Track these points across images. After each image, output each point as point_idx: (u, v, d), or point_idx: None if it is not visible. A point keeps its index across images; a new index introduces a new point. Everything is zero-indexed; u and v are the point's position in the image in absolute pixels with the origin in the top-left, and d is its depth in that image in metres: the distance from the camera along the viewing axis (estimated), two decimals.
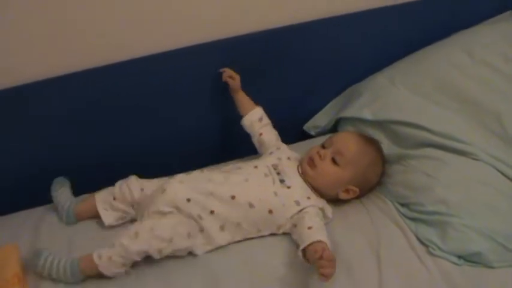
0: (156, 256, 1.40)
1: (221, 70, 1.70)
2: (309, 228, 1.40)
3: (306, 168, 1.56)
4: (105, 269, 1.37)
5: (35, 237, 1.55)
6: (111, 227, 1.54)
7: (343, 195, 1.55)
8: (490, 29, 1.74)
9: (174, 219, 1.43)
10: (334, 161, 1.54)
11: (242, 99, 1.71)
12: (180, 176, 1.53)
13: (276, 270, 1.41)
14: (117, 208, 1.55)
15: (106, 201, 1.56)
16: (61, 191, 1.62)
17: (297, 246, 1.41)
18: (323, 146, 1.59)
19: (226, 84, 1.70)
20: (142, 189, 1.54)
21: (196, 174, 1.55)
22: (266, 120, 1.70)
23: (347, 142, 1.58)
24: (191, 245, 1.44)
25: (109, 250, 1.38)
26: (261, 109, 1.71)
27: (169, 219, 1.42)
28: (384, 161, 1.62)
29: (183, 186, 1.48)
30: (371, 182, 1.59)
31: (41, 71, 1.57)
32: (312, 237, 1.37)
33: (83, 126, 1.69)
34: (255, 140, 1.70)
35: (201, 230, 1.45)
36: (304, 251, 1.37)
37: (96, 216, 1.57)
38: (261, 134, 1.68)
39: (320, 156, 1.55)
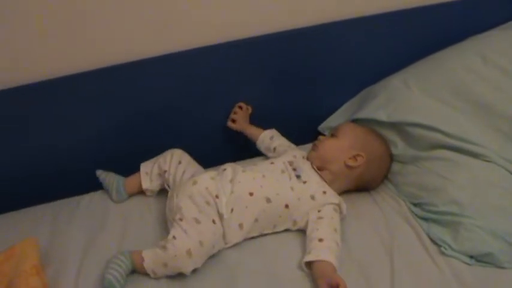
0: None
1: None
2: (320, 240, 1.41)
3: (310, 154, 1.63)
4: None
5: (53, 231, 1.58)
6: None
7: (351, 162, 1.57)
8: (503, 34, 1.75)
9: (209, 223, 1.43)
10: (333, 136, 1.64)
11: (252, 131, 1.78)
12: (212, 173, 1.55)
13: (293, 265, 1.42)
14: (156, 173, 1.64)
15: (149, 166, 1.67)
16: (107, 173, 1.70)
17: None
18: None
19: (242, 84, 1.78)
20: (180, 162, 1.62)
21: (220, 173, 1.55)
22: (278, 136, 1.77)
23: (343, 122, 1.75)
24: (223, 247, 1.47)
25: (161, 270, 1.38)
26: (272, 130, 1.78)
27: (207, 225, 1.42)
28: (387, 143, 1.66)
29: (213, 183, 1.50)
30: (375, 150, 1.61)
31: (50, 70, 1.61)
32: (320, 254, 1.38)
33: (96, 125, 1.73)
34: (271, 156, 1.74)
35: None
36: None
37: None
38: (274, 149, 1.74)
39: (319, 139, 1.65)
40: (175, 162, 1.62)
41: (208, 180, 1.51)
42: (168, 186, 1.62)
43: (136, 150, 1.71)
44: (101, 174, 1.69)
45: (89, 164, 1.72)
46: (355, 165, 1.57)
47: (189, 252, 1.35)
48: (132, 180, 1.68)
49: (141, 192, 1.68)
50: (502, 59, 1.65)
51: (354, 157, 1.57)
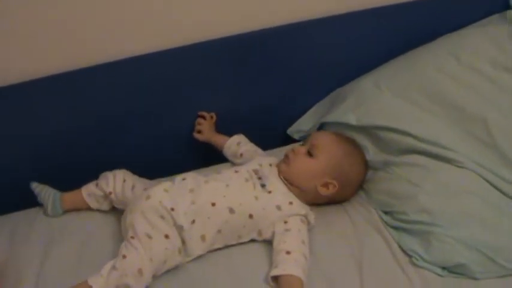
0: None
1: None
2: (287, 253, 1.36)
3: (281, 165, 1.54)
4: None
5: (10, 244, 1.52)
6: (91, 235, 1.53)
7: (322, 190, 1.50)
8: (478, 32, 1.69)
9: (161, 238, 1.37)
10: (309, 154, 1.53)
11: (219, 139, 1.73)
12: (165, 184, 1.48)
13: (259, 278, 1.37)
14: (100, 195, 1.57)
15: (91, 189, 1.59)
16: (43, 186, 1.61)
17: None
18: (301, 145, 1.59)
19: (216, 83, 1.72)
20: (124, 180, 1.55)
21: (179, 182, 1.49)
22: (245, 142, 1.71)
23: (322, 135, 1.61)
24: (181, 261, 1.40)
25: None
26: (240, 135, 1.72)
27: (159, 240, 1.37)
28: (365, 161, 1.59)
29: (167, 195, 1.43)
30: (350, 178, 1.53)
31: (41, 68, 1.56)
32: (287, 268, 1.33)
33: (75, 127, 1.67)
34: (237, 162, 1.69)
35: (182, 242, 1.40)
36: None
37: (81, 209, 1.60)
38: (241, 155, 1.68)
39: (294, 151, 1.54)
40: (119, 182, 1.55)
41: (162, 193, 1.44)
42: (117, 205, 1.56)
43: (89, 160, 1.66)
44: (36, 187, 1.61)
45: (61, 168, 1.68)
46: (325, 194, 1.51)
47: (140, 272, 1.30)
48: (70, 196, 1.60)
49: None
50: (475, 59, 1.60)
51: (326, 184, 1.50)
